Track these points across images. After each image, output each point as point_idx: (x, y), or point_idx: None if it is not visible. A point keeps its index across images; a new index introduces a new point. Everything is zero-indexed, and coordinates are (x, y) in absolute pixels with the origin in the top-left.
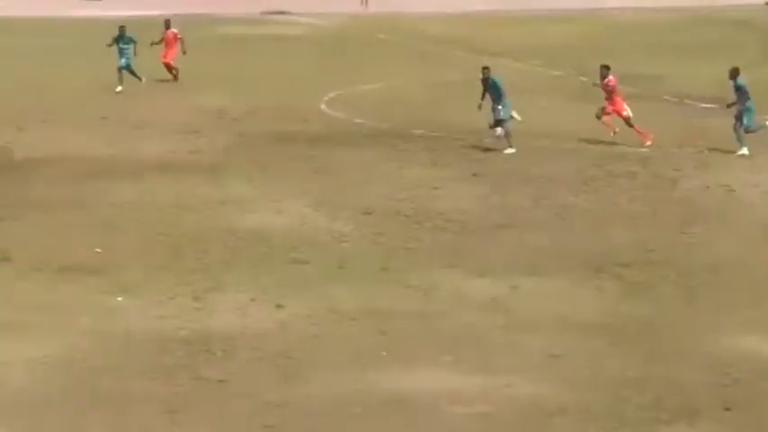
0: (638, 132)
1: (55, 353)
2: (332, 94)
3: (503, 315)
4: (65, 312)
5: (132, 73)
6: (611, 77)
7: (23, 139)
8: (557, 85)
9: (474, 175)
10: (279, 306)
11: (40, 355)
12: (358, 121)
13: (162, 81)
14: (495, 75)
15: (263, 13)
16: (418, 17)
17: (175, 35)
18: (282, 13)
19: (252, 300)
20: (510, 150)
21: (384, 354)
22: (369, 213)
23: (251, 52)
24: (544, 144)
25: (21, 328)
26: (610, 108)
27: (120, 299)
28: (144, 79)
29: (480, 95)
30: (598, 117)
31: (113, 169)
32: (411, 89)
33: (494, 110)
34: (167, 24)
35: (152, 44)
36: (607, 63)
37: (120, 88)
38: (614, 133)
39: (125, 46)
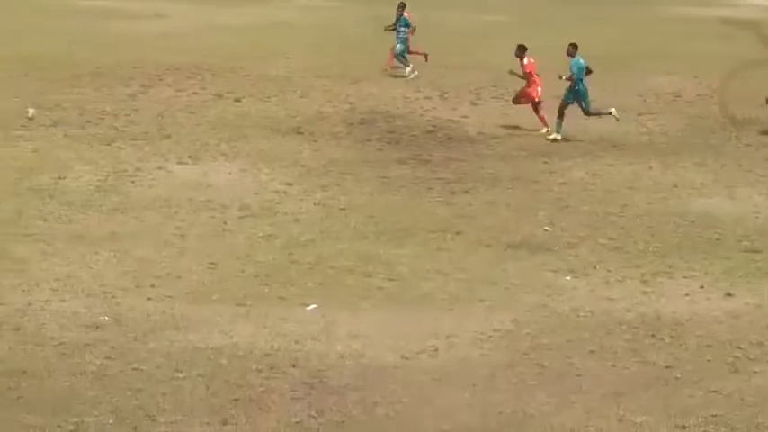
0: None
1: (502, 327)
2: None
3: None
4: (512, 288)
5: (404, 60)
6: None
7: (477, 114)
8: None
9: None
10: (729, 295)
11: (488, 329)
12: None
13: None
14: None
15: None
16: None
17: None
18: None
19: (701, 287)
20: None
21: None
22: None
23: (702, 35)
24: None
25: (469, 301)
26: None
27: (568, 278)
28: (410, 69)
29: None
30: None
31: (564, 148)
32: None
33: None
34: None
35: (385, 29)
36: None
37: (409, 71)
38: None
39: (403, 28)
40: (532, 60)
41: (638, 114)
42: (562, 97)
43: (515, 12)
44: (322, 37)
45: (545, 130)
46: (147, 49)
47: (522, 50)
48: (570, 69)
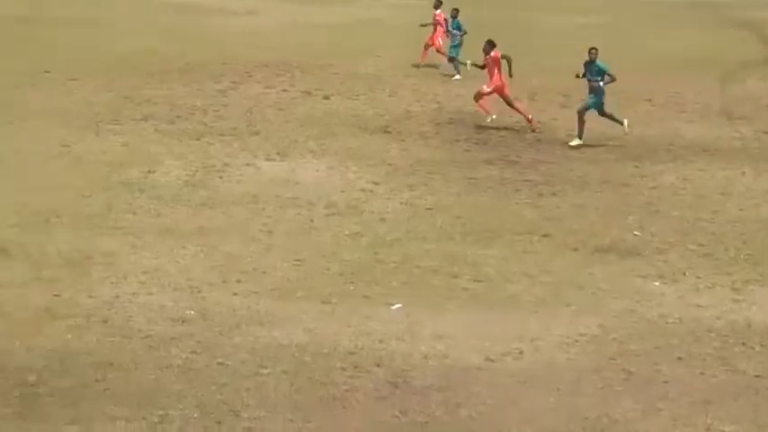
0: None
1: (588, 332)
2: None
3: None
4: (599, 293)
5: (455, 63)
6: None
7: (566, 117)
8: None
9: None
10: None
11: (574, 334)
12: None
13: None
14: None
15: None
16: None
17: (439, 18)
18: None
19: None
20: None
21: None
22: None
23: None
24: None
25: (555, 305)
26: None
27: (656, 284)
28: (469, 63)
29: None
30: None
31: (655, 151)
32: None
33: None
34: (436, 5)
35: (421, 26)
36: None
37: (458, 77)
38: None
39: (455, 31)
40: (492, 55)
41: (730, 118)
42: (595, 107)
43: (608, 14)
44: (412, 35)
45: (489, 118)
46: (238, 45)
47: (490, 45)
48: (606, 71)
